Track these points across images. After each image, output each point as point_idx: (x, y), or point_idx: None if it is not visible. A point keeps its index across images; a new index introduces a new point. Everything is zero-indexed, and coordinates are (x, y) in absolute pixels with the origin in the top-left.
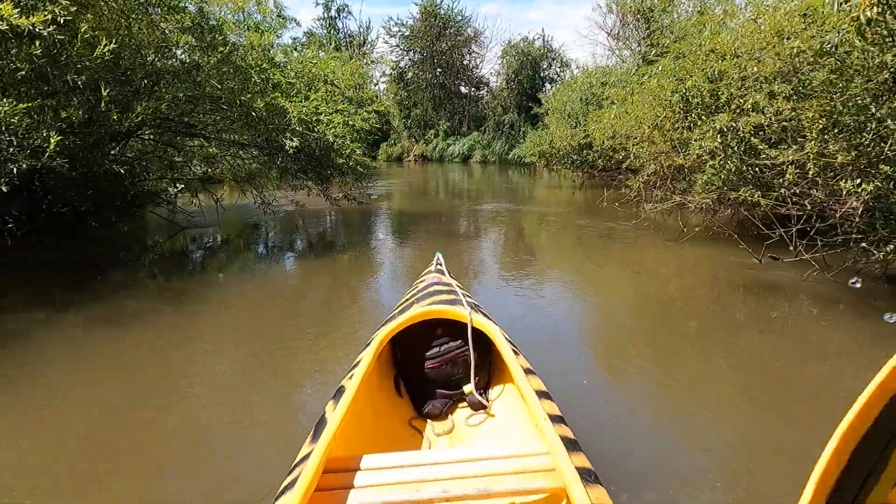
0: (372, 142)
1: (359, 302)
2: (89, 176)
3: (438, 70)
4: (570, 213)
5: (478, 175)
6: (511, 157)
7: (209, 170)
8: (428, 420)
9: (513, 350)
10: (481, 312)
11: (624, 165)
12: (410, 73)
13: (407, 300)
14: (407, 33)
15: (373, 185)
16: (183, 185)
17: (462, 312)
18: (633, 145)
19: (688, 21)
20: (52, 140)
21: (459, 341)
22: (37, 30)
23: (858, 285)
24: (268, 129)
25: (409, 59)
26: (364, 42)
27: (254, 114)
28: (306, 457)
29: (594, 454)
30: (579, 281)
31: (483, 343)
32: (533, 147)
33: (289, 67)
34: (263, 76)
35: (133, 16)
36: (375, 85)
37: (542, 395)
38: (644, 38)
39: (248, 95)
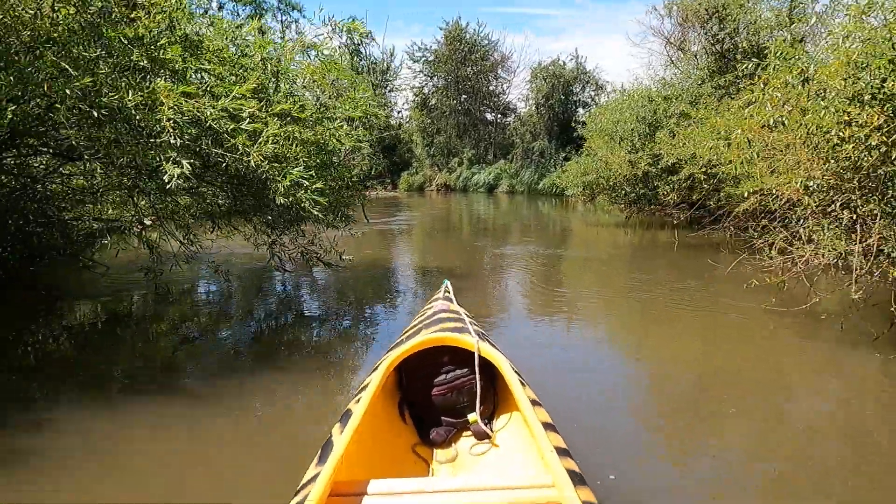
0: (393, 170)
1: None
2: None
3: (463, 96)
4: (629, 264)
5: (505, 207)
6: (541, 188)
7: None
8: (432, 447)
9: (520, 381)
10: (488, 341)
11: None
12: (434, 100)
13: (414, 326)
14: (431, 58)
15: (366, 227)
16: (144, 224)
17: (469, 340)
18: (764, 177)
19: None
20: None
21: (466, 369)
22: None
23: None
24: (129, 133)
25: (433, 85)
26: (387, 69)
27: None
28: (313, 479)
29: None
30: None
31: (490, 372)
32: (576, 177)
33: (205, 43)
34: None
35: None
36: (399, 113)
37: (548, 426)
38: (714, 43)
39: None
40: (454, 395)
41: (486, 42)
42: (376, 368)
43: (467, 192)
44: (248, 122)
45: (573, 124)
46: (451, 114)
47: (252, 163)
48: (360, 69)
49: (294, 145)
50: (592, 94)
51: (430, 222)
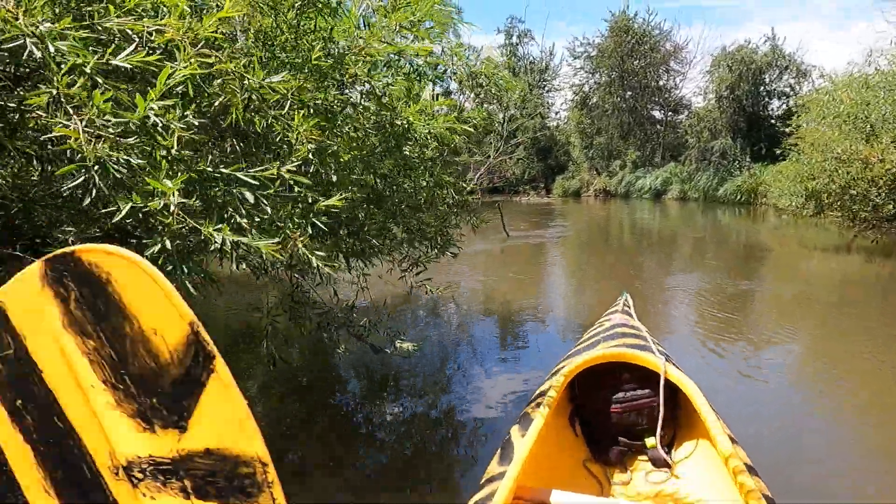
0: (548, 174)
1: None
2: None
3: (628, 93)
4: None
5: (675, 216)
6: (722, 194)
7: None
8: (604, 466)
9: (713, 411)
10: (673, 364)
11: None
12: (595, 97)
13: (591, 338)
14: (593, 53)
15: (509, 241)
16: None
17: (655, 361)
18: None
19: None
20: None
21: (647, 390)
22: None
23: None
24: None
25: (595, 82)
26: (546, 68)
27: None
28: (495, 477)
29: None
30: None
31: (672, 397)
32: (794, 182)
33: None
34: None
35: None
36: (557, 114)
37: (750, 469)
38: None
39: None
40: (633, 416)
41: (658, 32)
42: (553, 375)
43: (629, 199)
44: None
45: (767, 119)
46: (614, 112)
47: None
48: (517, 69)
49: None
50: (792, 82)
51: (584, 236)
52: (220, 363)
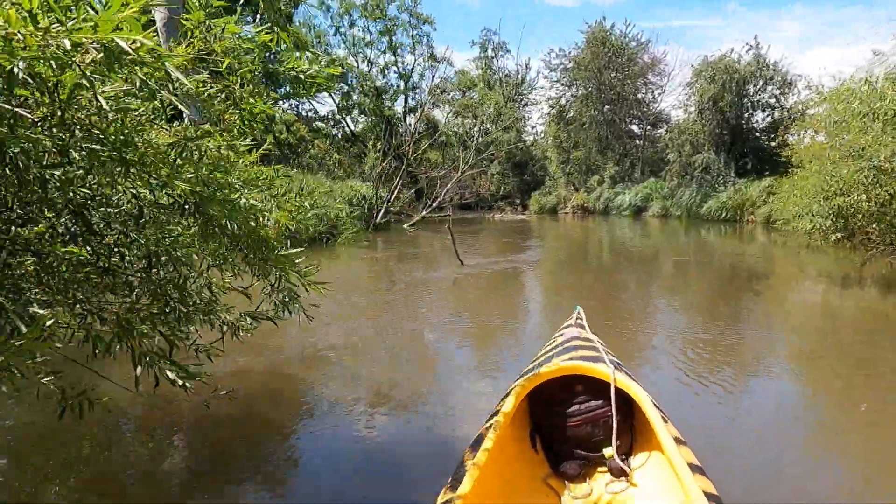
0: (524, 189)
1: None
2: None
3: (606, 106)
4: None
5: (657, 235)
6: (706, 211)
7: None
8: (564, 480)
9: (661, 416)
10: (625, 372)
11: None
12: (573, 111)
13: (545, 353)
14: (570, 65)
15: (466, 269)
16: None
17: (605, 371)
18: None
19: None
20: None
21: (601, 401)
22: None
23: None
24: None
25: (572, 95)
26: (522, 81)
27: None
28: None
29: None
30: None
31: (627, 405)
32: (812, 199)
33: None
34: None
35: None
36: (533, 128)
37: (695, 468)
38: None
39: None
40: (589, 428)
41: (635, 43)
42: (508, 395)
43: (608, 216)
44: None
45: (752, 132)
46: (592, 126)
47: None
48: (491, 83)
49: None
50: (777, 92)
51: (559, 258)
52: None
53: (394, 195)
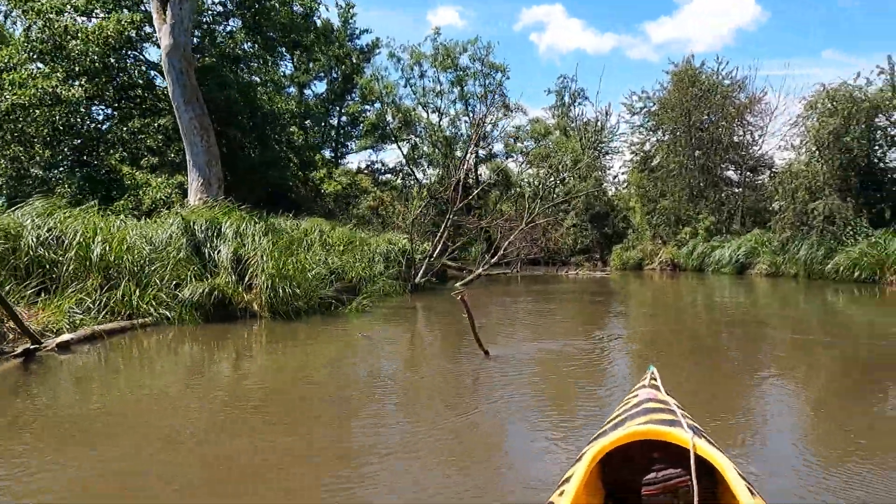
0: (604, 243)
1: None
2: None
3: (697, 151)
4: None
5: (774, 301)
6: (831, 270)
7: None
8: None
9: (748, 487)
10: (705, 438)
11: None
12: (659, 157)
13: (618, 416)
14: (654, 107)
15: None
16: None
17: (684, 437)
18: None
19: None
20: None
21: (680, 469)
22: None
23: None
24: None
25: (657, 140)
26: (602, 128)
27: None
28: None
29: None
30: None
31: (709, 474)
32: None
33: None
34: None
35: None
36: (615, 178)
37: None
38: None
39: None
40: (667, 498)
41: (729, 82)
42: (580, 459)
43: (704, 273)
44: None
45: (889, 173)
46: (681, 173)
47: None
48: (568, 131)
49: None
50: None
51: (645, 334)
52: None
53: (437, 249)
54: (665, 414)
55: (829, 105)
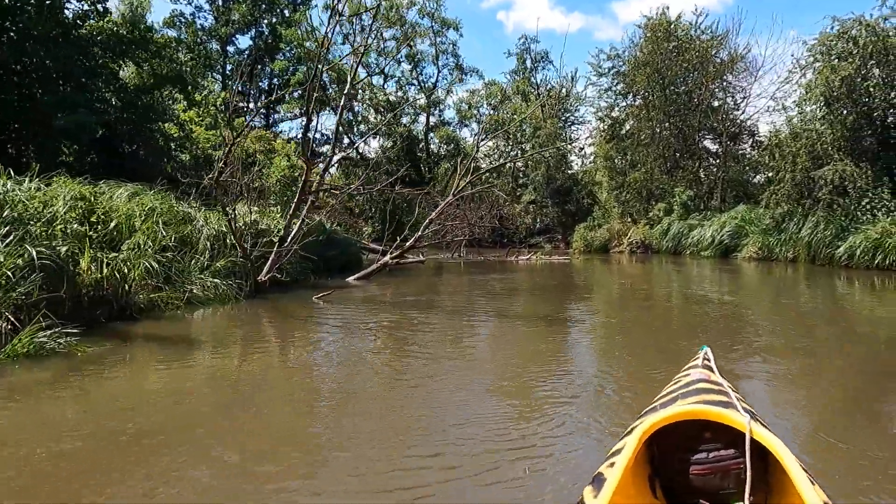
0: (566, 223)
1: None
2: None
3: (672, 117)
4: None
5: (766, 293)
6: (842, 254)
7: None
8: None
9: (808, 476)
10: (760, 422)
11: None
12: (628, 125)
13: (668, 394)
14: (624, 68)
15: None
16: None
17: (739, 419)
18: None
19: None
20: None
21: (732, 451)
22: None
23: None
24: None
25: (627, 105)
26: (567, 95)
27: None
28: None
29: None
30: None
31: (762, 461)
32: None
33: None
34: None
35: None
36: (582, 150)
37: None
38: None
39: None
40: (717, 479)
41: (709, 36)
42: (629, 433)
43: (680, 255)
44: None
45: None
46: (654, 141)
47: None
48: (525, 95)
49: None
50: None
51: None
52: None
53: (293, 232)
54: (719, 395)
55: (843, 46)
